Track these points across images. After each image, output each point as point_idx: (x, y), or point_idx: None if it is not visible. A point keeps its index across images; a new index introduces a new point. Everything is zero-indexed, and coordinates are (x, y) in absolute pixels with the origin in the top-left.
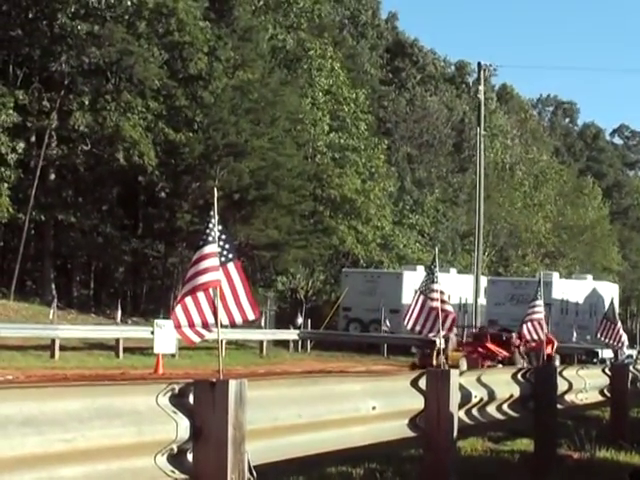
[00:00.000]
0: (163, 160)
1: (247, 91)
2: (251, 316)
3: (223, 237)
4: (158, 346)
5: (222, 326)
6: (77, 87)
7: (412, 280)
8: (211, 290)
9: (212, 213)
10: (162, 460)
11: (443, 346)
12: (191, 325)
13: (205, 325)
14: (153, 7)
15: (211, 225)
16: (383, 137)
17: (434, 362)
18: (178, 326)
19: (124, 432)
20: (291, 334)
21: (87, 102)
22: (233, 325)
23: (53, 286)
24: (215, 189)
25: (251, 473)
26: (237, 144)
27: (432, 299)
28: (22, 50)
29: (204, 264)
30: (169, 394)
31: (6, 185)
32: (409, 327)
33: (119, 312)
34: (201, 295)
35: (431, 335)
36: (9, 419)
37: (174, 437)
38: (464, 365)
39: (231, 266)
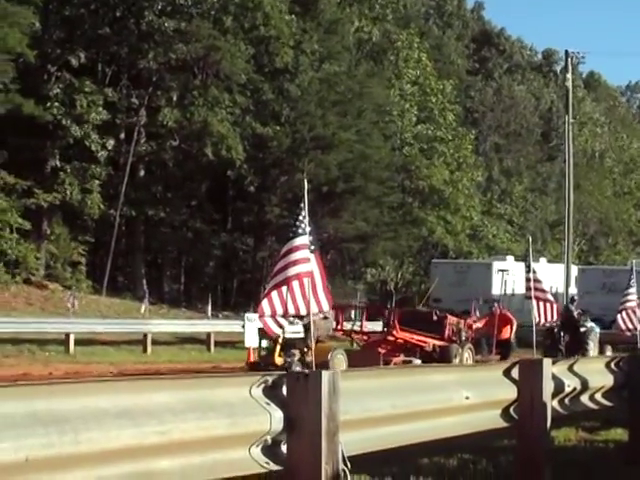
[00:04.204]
0: (251, 154)
1: (333, 84)
2: (326, 307)
3: (308, 229)
4: (249, 340)
5: (305, 316)
6: (165, 83)
7: (502, 270)
8: (294, 282)
9: (302, 205)
10: (256, 451)
11: (298, 336)
12: (273, 316)
13: (285, 315)
14: (239, 2)
15: (301, 217)
16: (470, 127)
17: (276, 360)
18: (262, 315)
19: (218, 424)
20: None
21: (175, 98)
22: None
23: (144, 281)
24: (305, 181)
25: (345, 464)
26: (324, 137)
27: (529, 289)
28: (110, 48)
29: (294, 256)
30: (262, 386)
31: (97, 182)
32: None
33: (210, 306)
34: (285, 287)
35: (547, 324)
36: (104, 412)
37: (268, 428)
38: (341, 362)
39: (312, 257)
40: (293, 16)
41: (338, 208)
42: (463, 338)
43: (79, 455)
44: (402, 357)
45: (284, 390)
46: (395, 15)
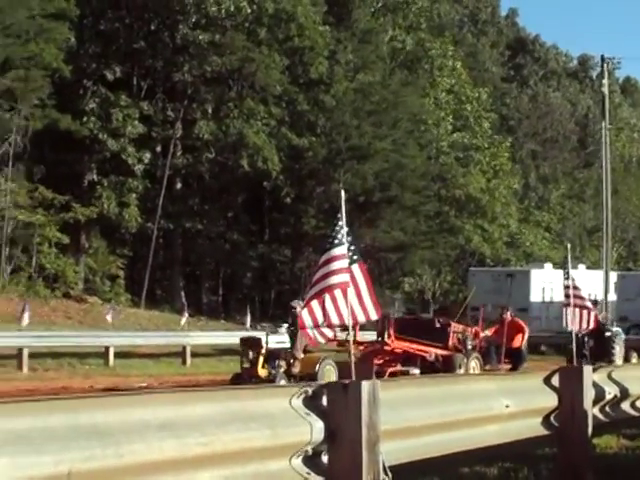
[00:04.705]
0: (287, 165)
1: (368, 93)
2: (374, 316)
3: (348, 239)
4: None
5: (347, 327)
6: (200, 96)
7: (540, 278)
8: (336, 292)
9: (339, 215)
10: (297, 462)
11: (276, 346)
12: (316, 326)
13: (329, 326)
14: (273, 13)
15: (338, 227)
16: (506, 135)
17: (260, 372)
18: (303, 327)
19: (259, 435)
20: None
21: (210, 110)
22: (356, 325)
23: (183, 293)
24: (342, 191)
25: (386, 473)
26: (360, 147)
27: (567, 296)
28: (146, 62)
29: (333, 266)
30: (302, 397)
31: (134, 195)
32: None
33: (248, 317)
34: (327, 297)
35: (583, 331)
36: (146, 424)
37: (308, 439)
38: (330, 373)
39: (355, 268)
40: (327, 26)
41: (375, 218)
42: (469, 347)
43: (122, 468)
44: (399, 367)
45: (324, 400)
46: (429, 24)
